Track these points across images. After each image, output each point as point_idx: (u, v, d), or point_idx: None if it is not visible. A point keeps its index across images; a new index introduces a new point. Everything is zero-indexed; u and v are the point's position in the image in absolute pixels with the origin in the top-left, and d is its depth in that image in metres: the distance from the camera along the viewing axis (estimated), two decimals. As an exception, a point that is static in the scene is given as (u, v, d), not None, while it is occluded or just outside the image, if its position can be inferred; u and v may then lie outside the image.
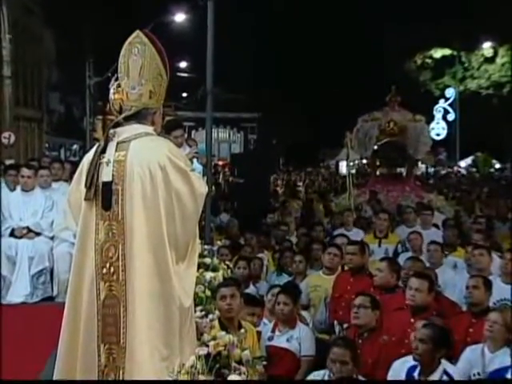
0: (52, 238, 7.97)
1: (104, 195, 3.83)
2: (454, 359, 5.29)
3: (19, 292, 7.56)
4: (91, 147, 4.17)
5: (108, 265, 3.80)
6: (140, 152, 3.85)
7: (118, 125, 4.01)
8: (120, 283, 3.78)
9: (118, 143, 3.90)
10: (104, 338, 3.77)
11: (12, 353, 5.14)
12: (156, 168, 3.79)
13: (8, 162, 13.44)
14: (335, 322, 6.76)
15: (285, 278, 8.07)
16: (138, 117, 4.00)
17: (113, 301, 3.78)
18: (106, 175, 3.84)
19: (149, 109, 4.03)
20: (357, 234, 10.03)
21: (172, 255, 3.80)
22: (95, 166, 3.87)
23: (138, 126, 3.97)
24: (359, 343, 5.56)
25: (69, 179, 8.93)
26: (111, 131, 3.95)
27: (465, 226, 11.16)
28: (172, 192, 3.80)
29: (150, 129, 4.00)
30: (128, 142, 3.89)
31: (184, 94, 41.13)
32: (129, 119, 4.01)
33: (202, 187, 3.99)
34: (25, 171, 8.20)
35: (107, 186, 3.83)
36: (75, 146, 36.33)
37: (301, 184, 26.35)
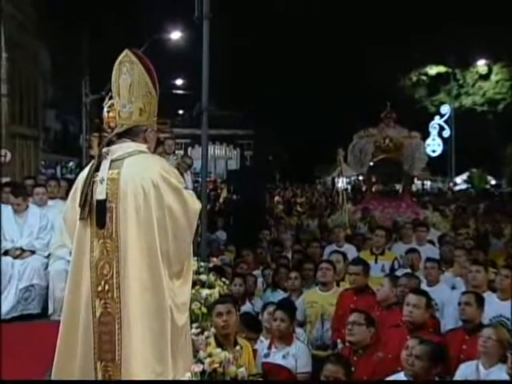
0: (47, 257, 7.94)
1: (98, 213, 3.86)
2: (448, 376, 5.28)
3: (3, 307, 7.47)
4: (87, 165, 4.19)
5: (103, 282, 3.82)
6: (133, 169, 3.87)
7: (111, 143, 4.05)
8: (115, 300, 3.79)
9: (111, 161, 3.92)
10: (100, 356, 3.78)
11: None
12: (149, 185, 3.81)
13: (4, 179, 13.41)
14: (338, 341, 6.72)
15: (280, 295, 8.07)
16: (130, 134, 4.04)
17: (108, 318, 3.79)
18: (99, 193, 3.86)
19: (140, 126, 4.06)
20: (349, 250, 10.02)
21: (165, 271, 3.83)
22: (89, 185, 3.90)
23: (131, 143, 4.01)
24: (354, 360, 5.54)
25: (65, 197, 8.89)
26: (104, 149, 3.98)
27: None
28: (165, 209, 3.83)
29: (143, 146, 4.03)
30: (121, 160, 3.91)
31: (180, 111, 41.28)
32: (121, 137, 4.05)
33: (195, 204, 4.01)
34: (12, 199, 8.11)
35: (101, 204, 3.85)
36: (71, 164, 36.38)
37: (297, 200, 26.34)
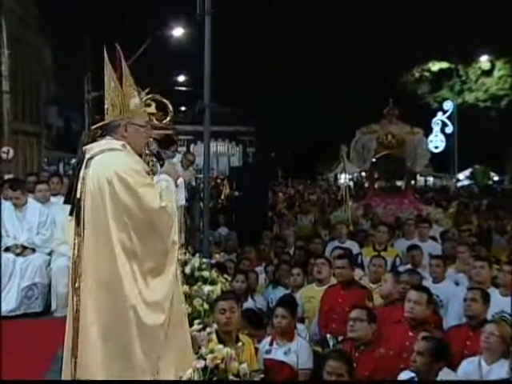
0: (49, 254, 7.94)
1: (76, 211, 3.99)
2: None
3: (5, 306, 7.48)
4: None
5: (78, 279, 3.94)
6: (96, 168, 3.95)
7: (95, 141, 4.18)
8: (80, 297, 3.90)
9: (87, 159, 4.02)
10: (73, 352, 3.91)
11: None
12: (104, 183, 3.87)
13: (7, 176, 13.47)
14: (328, 336, 6.75)
15: (281, 291, 8.07)
16: (108, 131, 4.12)
17: (77, 315, 3.91)
18: (78, 192, 3.99)
19: (115, 122, 4.11)
20: (351, 247, 10.03)
21: (134, 268, 3.83)
22: (72, 183, 4.08)
23: (107, 141, 4.08)
24: (356, 356, 5.54)
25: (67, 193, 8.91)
26: (83, 148, 4.10)
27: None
28: (121, 207, 3.85)
29: (117, 143, 4.06)
30: (93, 159, 4.00)
31: (182, 108, 41.25)
32: (103, 135, 4.16)
33: (153, 203, 3.91)
34: (11, 193, 8.13)
35: (78, 202, 3.98)
36: (74, 161, 36.37)
37: (310, 198, 26.23)
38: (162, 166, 4.30)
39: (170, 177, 4.26)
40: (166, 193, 4.06)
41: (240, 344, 5.06)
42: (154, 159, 4.41)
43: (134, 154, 4.11)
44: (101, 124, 4.12)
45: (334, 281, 7.75)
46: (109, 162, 3.94)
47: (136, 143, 4.13)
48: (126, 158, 4.02)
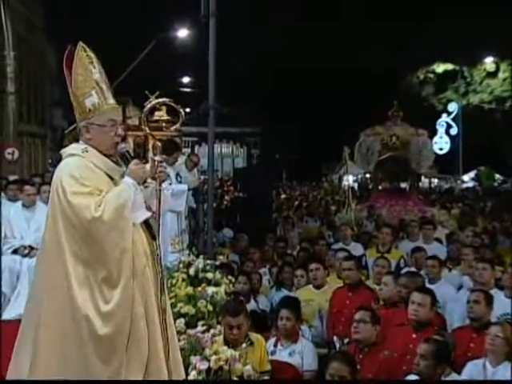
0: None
1: None
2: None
3: (18, 309, 7.47)
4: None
5: None
6: (53, 175, 4.01)
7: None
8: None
9: None
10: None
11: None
12: (53, 190, 3.92)
13: (12, 177, 13.45)
14: (335, 338, 6.73)
15: (284, 293, 8.04)
16: (79, 135, 4.11)
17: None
18: None
19: (78, 124, 4.08)
20: (355, 248, 10.01)
21: (89, 277, 3.78)
22: None
23: (72, 145, 4.10)
24: (360, 358, 5.54)
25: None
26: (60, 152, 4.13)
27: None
28: (66, 216, 3.83)
29: (78, 147, 4.03)
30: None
31: (187, 109, 41.31)
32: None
33: (85, 212, 3.78)
34: (27, 188, 8.16)
35: None
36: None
37: (304, 198, 26.28)
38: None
39: (136, 179, 3.98)
40: (113, 199, 3.85)
41: (244, 345, 5.03)
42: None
43: (94, 158, 3.98)
44: (71, 128, 4.14)
45: (337, 282, 7.75)
46: (59, 170, 3.97)
47: (101, 144, 4.00)
48: (72, 164, 3.95)
